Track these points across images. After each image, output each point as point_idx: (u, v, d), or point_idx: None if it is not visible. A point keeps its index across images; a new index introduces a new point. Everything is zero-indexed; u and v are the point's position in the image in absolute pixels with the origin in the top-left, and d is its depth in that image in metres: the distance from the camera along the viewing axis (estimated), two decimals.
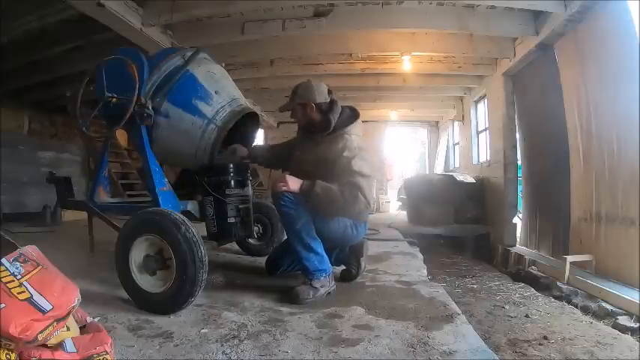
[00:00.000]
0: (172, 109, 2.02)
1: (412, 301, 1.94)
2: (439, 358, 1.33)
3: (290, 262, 2.27)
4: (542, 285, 3.54)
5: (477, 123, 7.12)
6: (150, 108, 1.95)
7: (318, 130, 2.07)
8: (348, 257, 2.29)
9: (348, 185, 1.92)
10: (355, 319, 1.68)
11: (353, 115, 2.12)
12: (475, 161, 7.05)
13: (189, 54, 2.16)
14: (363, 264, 2.30)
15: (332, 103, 2.09)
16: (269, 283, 2.19)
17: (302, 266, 2.00)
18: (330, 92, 2.13)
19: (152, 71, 2.05)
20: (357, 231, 2.12)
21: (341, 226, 2.04)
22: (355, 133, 2.06)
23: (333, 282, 2.03)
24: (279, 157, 2.37)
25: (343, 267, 2.33)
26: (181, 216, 1.71)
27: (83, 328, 1.21)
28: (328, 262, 2.03)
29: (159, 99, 2.00)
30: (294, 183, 1.94)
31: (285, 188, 1.93)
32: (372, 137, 9.82)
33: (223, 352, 1.33)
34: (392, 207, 9.29)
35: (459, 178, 6.55)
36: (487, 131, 6.43)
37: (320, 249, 1.99)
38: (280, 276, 2.32)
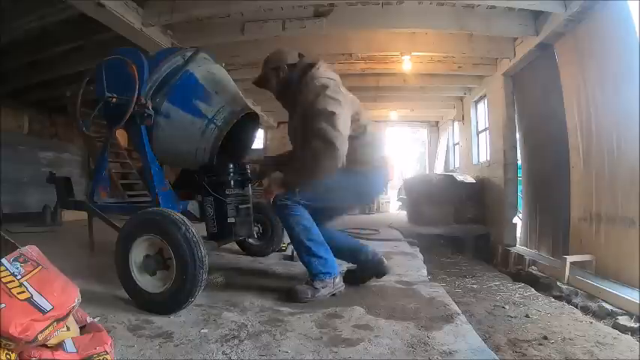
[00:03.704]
0: (172, 109, 2.02)
1: (412, 301, 1.94)
2: (439, 358, 1.33)
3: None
4: (542, 285, 3.54)
5: (477, 123, 7.12)
6: (150, 108, 1.95)
7: (293, 92, 2.00)
8: (365, 270, 2.16)
9: (309, 145, 1.80)
10: (355, 319, 1.67)
11: (312, 61, 2.04)
12: (475, 161, 7.05)
13: (189, 54, 2.17)
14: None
15: (301, 62, 2.04)
16: (269, 283, 2.18)
17: (306, 268, 1.98)
18: (300, 55, 2.11)
19: (152, 71, 2.05)
20: (368, 180, 2.03)
21: (344, 186, 1.95)
22: (319, 75, 1.94)
23: (341, 284, 1.98)
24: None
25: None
26: (181, 216, 1.70)
27: (83, 328, 1.21)
28: (334, 264, 1.96)
29: (159, 99, 2.00)
30: (275, 187, 1.95)
31: (271, 197, 1.94)
32: None
33: (223, 352, 1.33)
34: (392, 207, 9.29)
35: (459, 178, 6.55)
36: (487, 131, 6.43)
37: (323, 252, 1.94)
38: (280, 276, 2.32)
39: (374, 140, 2.08)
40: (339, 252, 2.10)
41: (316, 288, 1.90)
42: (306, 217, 1.94)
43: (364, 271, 2.17)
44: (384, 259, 2.17)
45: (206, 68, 2.19)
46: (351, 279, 2.15)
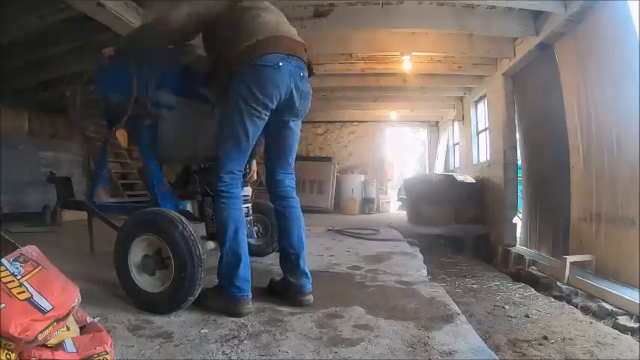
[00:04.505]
0: (172, 108, 2.02)
1: (412, 301, 1.94)
2: (439, 358, 1.33)
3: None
4: (542, 285, 3.54)
5: (477, 123, 7.12)
6: (149, 107, 1.95)
7: None
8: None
9: None
10: (355, 319, 1.68)
11: None
12: (475, 161, 7.05)
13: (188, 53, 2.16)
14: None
15: None
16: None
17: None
18: None
19: (152, 70, 2.04)
20: None
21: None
22: None
23: (248, 309, 1.68)
24: None
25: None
26: (178, 215, 1.70)
27: (83, 328, 1.21)
28: (239, 286, 1.68)
29: (159, 98, 2.00)
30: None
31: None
32: (372, 137, 9.85)
33: (223, 352, 1.33)
34: (392, 207, 9.29)
35: (459, 178, 6.56)
36: (487, 131, 6.43)
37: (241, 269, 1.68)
38: (280, 276, 2.31)
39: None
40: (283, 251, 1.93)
41: (207, 296, 1.72)
42: (241, 214, 1.75)
43: (287, 288, 1.88)
44: (306, 292, 1.84)
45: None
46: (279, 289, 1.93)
